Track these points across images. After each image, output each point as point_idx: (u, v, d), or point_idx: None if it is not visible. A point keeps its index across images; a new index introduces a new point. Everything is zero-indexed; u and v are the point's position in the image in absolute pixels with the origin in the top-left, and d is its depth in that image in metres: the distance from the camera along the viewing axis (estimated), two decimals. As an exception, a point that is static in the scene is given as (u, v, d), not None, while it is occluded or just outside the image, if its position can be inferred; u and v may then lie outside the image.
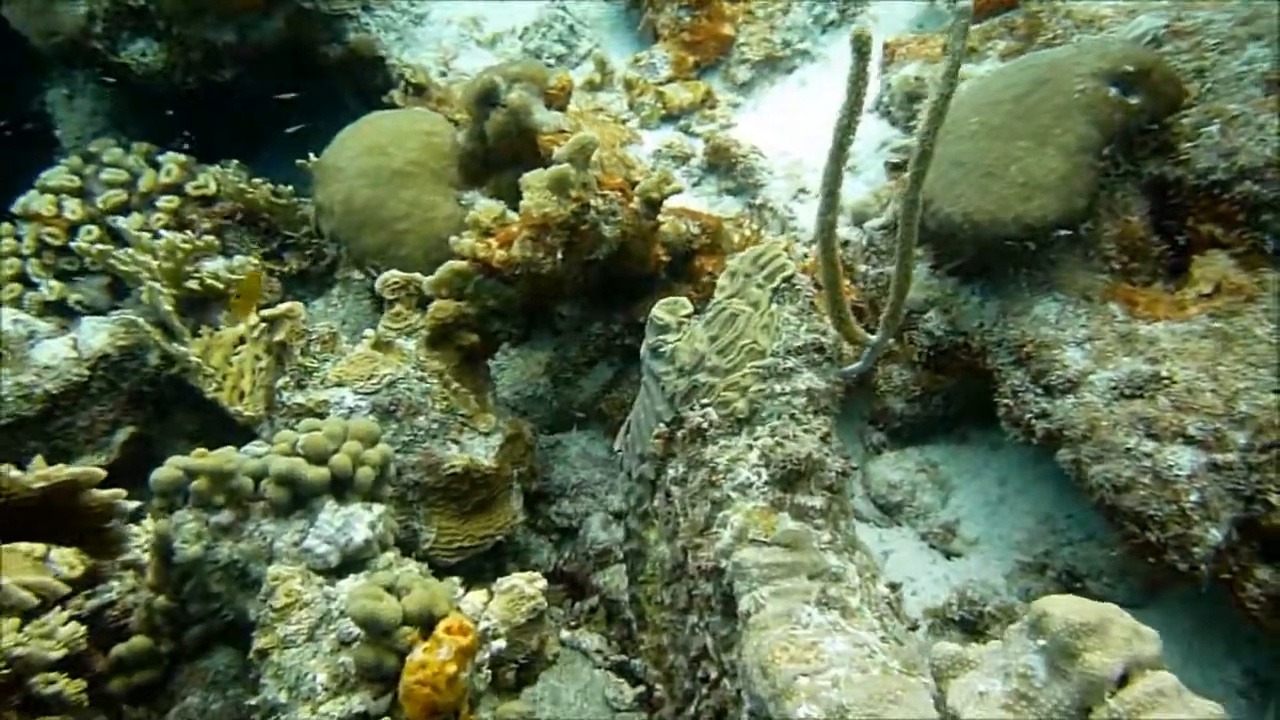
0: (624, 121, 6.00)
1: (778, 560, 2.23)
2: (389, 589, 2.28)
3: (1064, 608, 1.28)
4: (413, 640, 2.20)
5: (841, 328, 2.27)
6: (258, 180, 5.68)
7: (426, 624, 2.27)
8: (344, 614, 2.42)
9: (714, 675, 2.49)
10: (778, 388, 2.41)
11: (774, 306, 2.53)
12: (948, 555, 3.90)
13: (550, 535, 4.36)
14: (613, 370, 4.72)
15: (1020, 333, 3.00)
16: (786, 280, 2.55)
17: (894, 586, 3.21)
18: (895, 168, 4.10)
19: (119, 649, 2.75)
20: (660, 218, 3.97)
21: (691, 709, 2.69)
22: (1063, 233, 2.79)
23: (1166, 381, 2.54)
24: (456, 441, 3.53)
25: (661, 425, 2.72)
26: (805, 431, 2.35)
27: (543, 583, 2.75)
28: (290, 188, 5.66)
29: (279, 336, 3.39)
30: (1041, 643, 1.28)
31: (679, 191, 3.81)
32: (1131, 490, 2.54)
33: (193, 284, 4.85)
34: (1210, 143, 2.71)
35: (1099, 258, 2.94)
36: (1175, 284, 2.83)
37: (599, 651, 3.83)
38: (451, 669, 2.06)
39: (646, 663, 3.67)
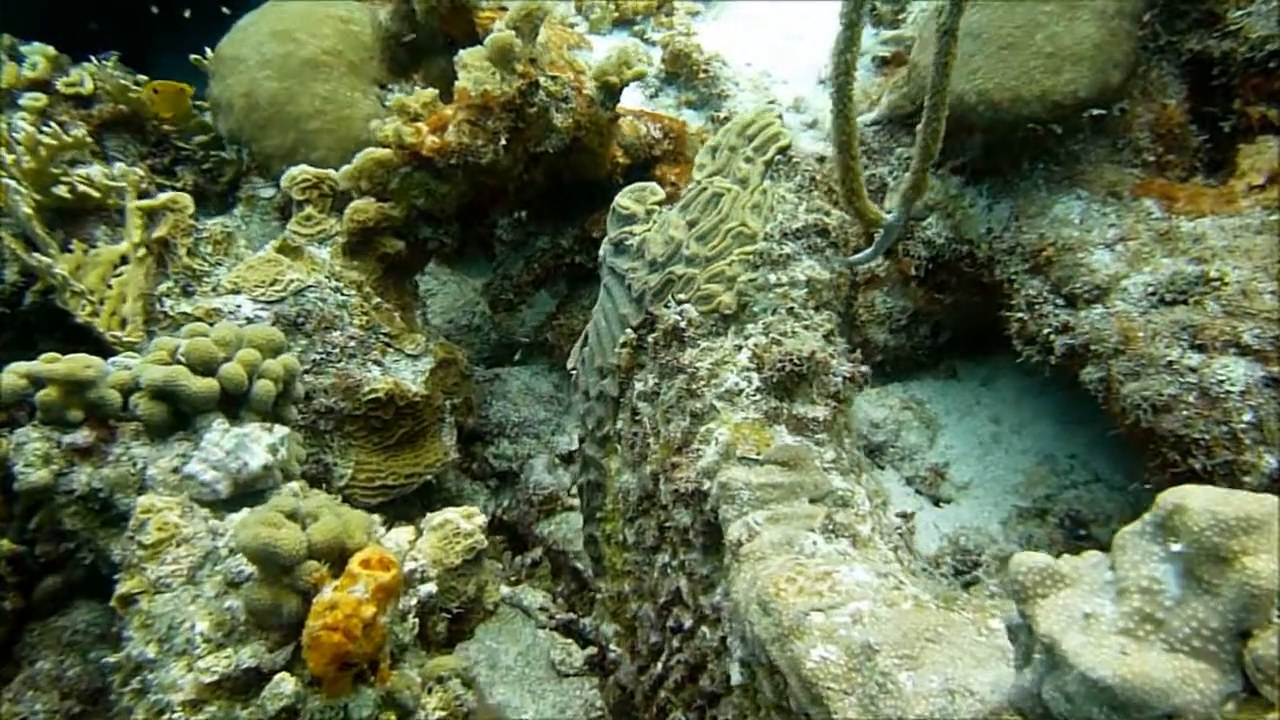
0: (572, 26, 5.59)
1: (773, 480, 1.92)
2: (290, 516, 1.91)
3: (1206, 499, 0.99)
4: (319, 579, 1.84)
5: (852, 204, 1.95)
6: (143, 78, 5.08)
7: (337, 561, 1.91)
8: (234, 552, 2.04)
9: (688, 623, 2.19)
10: (772, 277, 2.10)
11: (766, 183, 2.20)
12: (936, 501, 3.67)
13: (488, 481, 4.00)
14: (559, 295, 4.36)
15: (1037, 236, 2.74)
16: (781, 152, 2.22)
17: (905, 516, 2.95)
18: (884, 62, 3.80)
19: (-50, 603, 2.33)
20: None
21: (658, 666, 2.39)
22: (1095, 112, 2.52)
23: (1216, 283, 2.30)
24: (379, 363, 3.13)
25: (628, 331, 2.39)
26: (805, 328, 2.04)
27: (482, 519, 2.41)
28: (185, 87, 5.07)
29: (160, 233, 2.94)
30: (1176, 547, 0.99)
31: (641, 77, 3.45)
32: (1173, 410, 2.30)
33: (61, 190, 4.30)
34: (1268, 7, 2.46)
35: (1129, 149, 2.68)
36: (1217, 178, 2.59)
37: (543, 609, 3.50)
38: (368, 611, 1.70)
39: (602, 616, 3.37)
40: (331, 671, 1.69)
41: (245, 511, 2.22)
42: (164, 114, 4.12)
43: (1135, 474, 3.47)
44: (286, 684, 1.73)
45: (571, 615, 3.50)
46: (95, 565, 2.59)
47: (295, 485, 2.38)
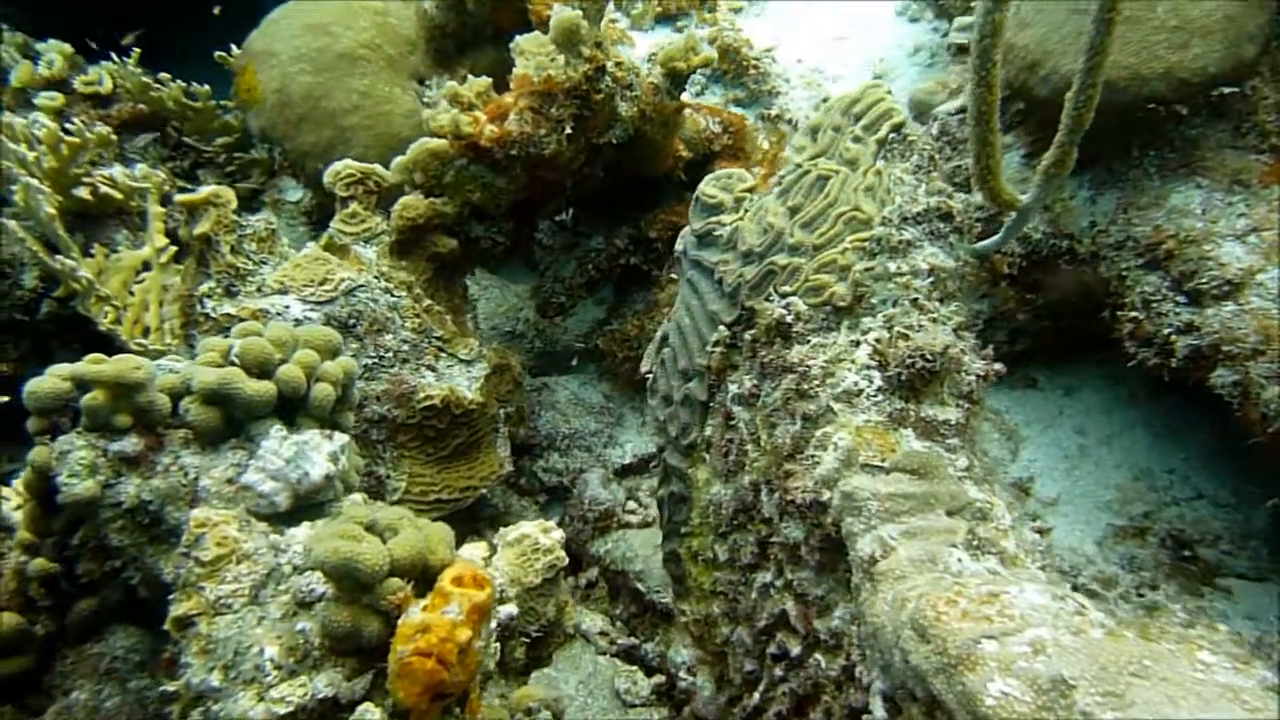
0: (613, 21, 5.49)
1: (904, 491, 1.77)
2: (368, 528, 1.76)
3: None
4: (403, 600, 1.68)
5: (986, 182, 1.81)
6: (165, 76, 4.97)
7: (420, 579, 1.76)
8: (299, 570, 1.89)
9: (796, 650, 2.02)
10: (891, 266, 1.95)
11: (880, 164, 2.06)
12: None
13: (536, 496, 3.85)
14: (605, 302, 4.22)
15: (1152, 228, 2.58)
16: (896, 129, 2.08)
17: (1042, 532, 2.78)
18: (961, 50, 3.66)
19: (-23, 629, 2.18)
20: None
21: (754, 696, 2.23)
22: (1226, 90, 2.37)
23: (1367, 274, 2.15)
24: (432, 369, 2.99)
25: (720, 329, 2.24)
26: (933, 321, 1.89)
27: (559, 533, 2.25)
28: (207, 87, 4.95)
29: (202, 229, 2.81)
30: None
31: (709, 63, 3.31)
32: (1323, 414, 2.14)
33: (83, 192, 4.21)
34: None
35: (1254, 133, 2.53)
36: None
37: (603, 634, 3.34)
38: (464, 635, 1.55)
39: (668, 641, 3.20)
40: (424, 703, 1.54)
41: (306, 526, 2.08)
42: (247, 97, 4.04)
43: (1243, 490, 3.30)
44: (373, 714, 1.58)
45: (633, 640, 3.34)
46: (132, 588, 2.45)
47: (358, 497, 2.23)
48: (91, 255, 3.89)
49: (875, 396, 1.87)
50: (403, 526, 1.79)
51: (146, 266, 3.83)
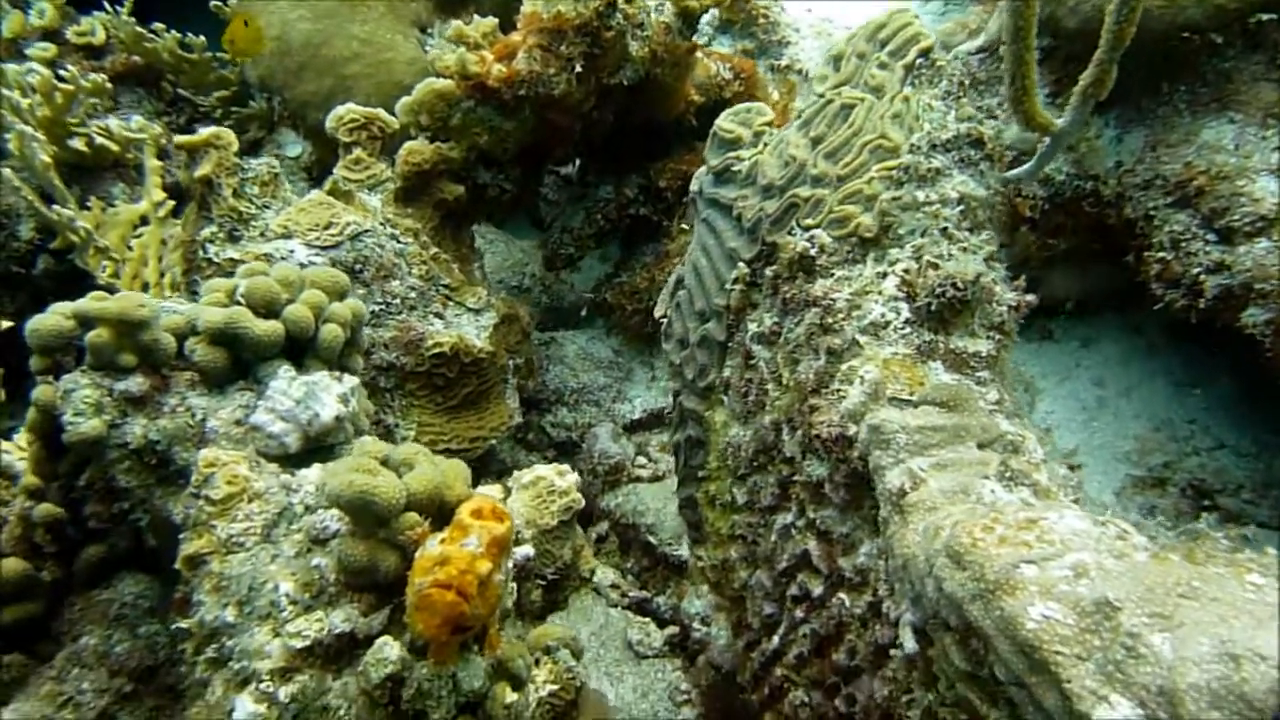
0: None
1: (933, 423, 1.73)
2: (383, 463, 1.73)
3: None
4: (420, 535, 1.65)
5: (1020, 104, 1.75)
6: (159, 27, 4.86)
7: (435, 515, 1.72)
8: (312, 510, 1.86)
9: (818, 591, 2.00)
10: (920, 195, 1.90)
11: (908, 90, 2.00)
12: (1038, 469, 3.46)
13: (545, 451, 3.82)
14: (620, 254, 4.16)
15: (1182, 165, 2.52)
16: (924, 54, 2.02)
17: (1073, 468, 2.76)
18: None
19: (-19, 575, 2.15)
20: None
21: (773, 640, 2.21)
22: (1265, 17, 2.31)
23: (1407, 207, 2.10)
24: (440, 316, 2.95)
25: (739, 266, 2.19)
26: (963, 251, 1.84)
27: (575, 477, 2.22)
28: (203, 39, 4.85)
29: (203, 171, 2.75)
30: None
31: (720, 3, 3.24)
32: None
33: (78, 143, 4.14)
34: None
35: (1290, 65, 2.47)
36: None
37: (614, 586, 3.32)
38: (484, 567, 1.51)
39: (679, 593, 3.19)
40: (444, 635, 1.51)
41: (317, 468, 2.04)
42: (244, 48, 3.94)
43: (1265, 439, 3.27)
44: (391, 648, 1.55)
45: (645, 593, 3.33)
46: (140, 535, 2.42)
47: (368, 440, 2.20)
48: (88, 209, 3.84)
49: (903, 329, 1.83)
50: (418, 462, 1.76)
51: (144, 221, 3.78)
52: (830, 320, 1.90)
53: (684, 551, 3.31)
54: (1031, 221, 3.01)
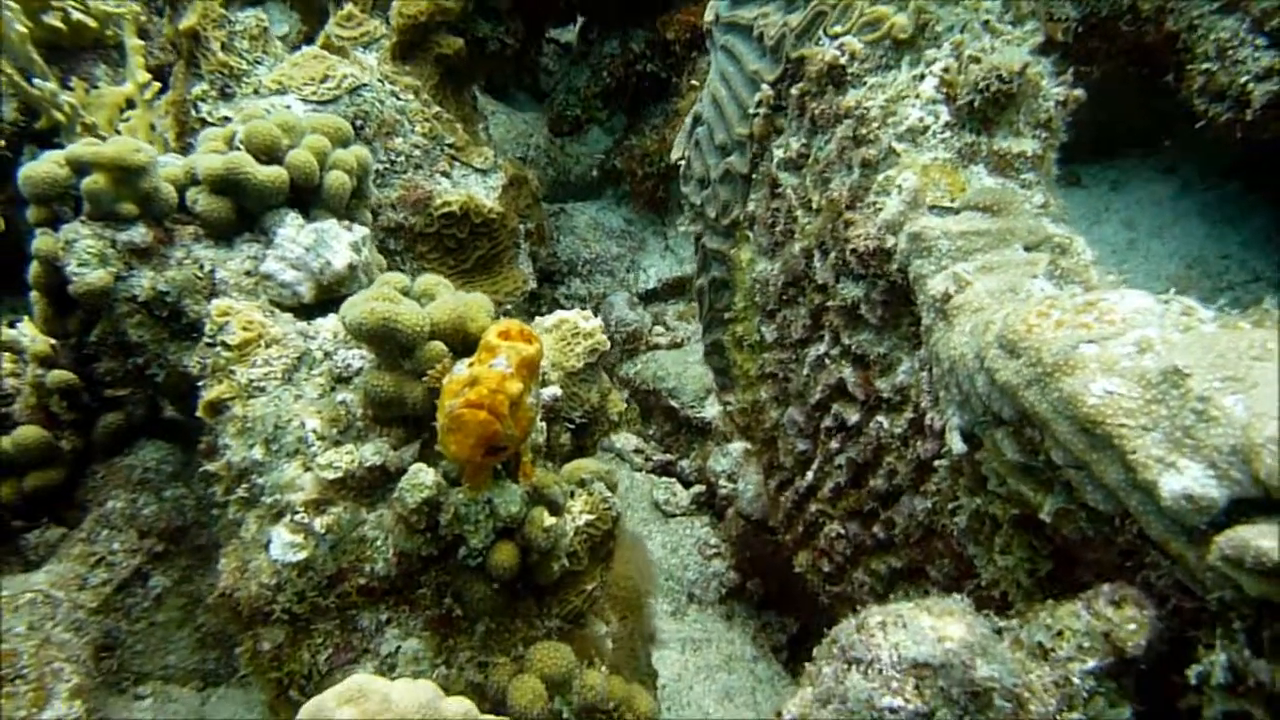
0: None
1: (977, 228, 1.66)
2: (404, 294, 1.68)
3: None
4: (444, 368, 1.61)
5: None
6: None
7: (460, 347, 1.68)
8: (330, 355, 1.81)
9: (854, 418, 1.96)
10: (957, -11, 1.78)
11: (941, -122, 1.86)
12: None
13: (560, 323, 3.77)
14: (614, 131, 4.03)
15: (1229, -30, 2.39)
16: None
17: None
18: None
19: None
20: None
21: (807, 476, 2.19)
22: None
23: None
24: (446, 175, 2.86)
25: (763, 88, 2.09)
26: (1006, 44, 1.74)
27: (599, 320, 2.17)
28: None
29: (189, 23, 2.62)
30: None
31: None
32: None
33: (53, 19, 3.98)
34: None
35: None
36: None
37: (638, 451, 3.33)
38: (515, 387, 1.47)
39: (720, 451, 3.18)
40: (477, 455, 1.47)
41: (333, 317, 1.99)
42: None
43: (1303, 270, 3.21)
44: (426, 474, 1.53)
45: (669, 456, 3.33)
46: (157, 404, 2.40)
47: (390, 273, 2.14)
48: (70, 89, 3.71)
49: (942, 132, 1.74)
50: (440, 292, 1.71)
51: (131, 105, 3.66)
52: (864, 131, 1.81)
53: (707, 413, 3.29)
54: (1064, 47, 2.87)
